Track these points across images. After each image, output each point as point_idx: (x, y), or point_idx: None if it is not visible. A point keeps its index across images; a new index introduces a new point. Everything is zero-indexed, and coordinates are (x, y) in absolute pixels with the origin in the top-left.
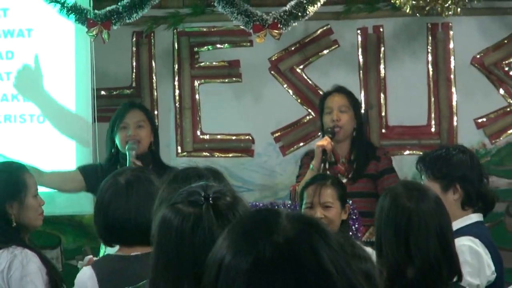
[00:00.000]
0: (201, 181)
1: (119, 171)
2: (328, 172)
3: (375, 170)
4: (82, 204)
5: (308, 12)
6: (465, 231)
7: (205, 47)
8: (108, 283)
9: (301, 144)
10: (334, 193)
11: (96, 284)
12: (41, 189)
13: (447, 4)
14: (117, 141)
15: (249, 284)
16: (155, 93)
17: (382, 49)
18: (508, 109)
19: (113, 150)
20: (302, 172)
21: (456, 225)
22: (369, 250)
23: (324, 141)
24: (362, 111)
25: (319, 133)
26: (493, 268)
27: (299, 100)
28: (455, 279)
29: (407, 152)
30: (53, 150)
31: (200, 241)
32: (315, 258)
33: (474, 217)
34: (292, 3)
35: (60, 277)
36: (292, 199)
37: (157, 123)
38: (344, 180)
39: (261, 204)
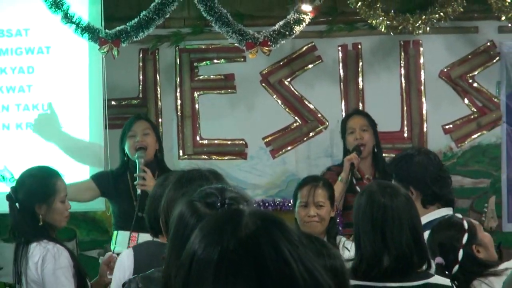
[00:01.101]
0: (204, 181)
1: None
2: (357, 187)
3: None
4: (96, 202)
5: (294, 31)
6: (428, 227)
7: (204, 62)
8: (142, 263)
9: (289, 148)
10: (325, 194)
11: (132, 263)
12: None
13: (417, 24)
14: (126, 149)
15: (216, 275)
16: (159, 103)
17: (360, 63)
18: (472, 117)
19: (125, 158)
20: None
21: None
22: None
23: (352, 156)
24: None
25: (347, 153)
26: None
27: (287, 109)
28: (425, 267)
29: (383, 155)
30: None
31: None
32: (275, 250)
33: (442, 211)
34: (281, 23)
35: (84, 270)
36: None
37: (161, 130)
38: None
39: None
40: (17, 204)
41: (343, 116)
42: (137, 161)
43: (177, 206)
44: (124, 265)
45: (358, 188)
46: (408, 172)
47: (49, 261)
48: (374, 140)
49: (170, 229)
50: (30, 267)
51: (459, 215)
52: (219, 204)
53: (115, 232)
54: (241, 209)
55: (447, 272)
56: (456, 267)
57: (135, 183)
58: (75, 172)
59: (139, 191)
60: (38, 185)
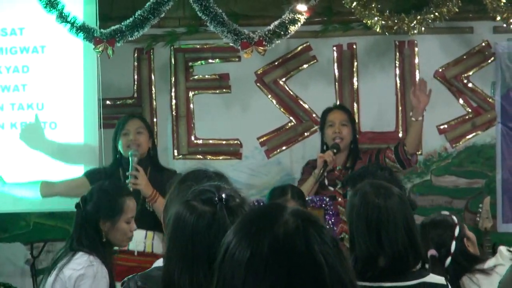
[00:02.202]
0: (205, 180)
1: None
2: (326, 180)
3: (364, 164)
4: None
5: (289, 31)
6: None
7: (199, 62)
8: None
9: (284, 148)
10: (295, 204)
11: None
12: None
13: (412, 24)
14: (120, 147)
15: (247, 269)
16: (154, 103)
17: (355, 63)
18: (467, 117)
19: (117, 156)
20: (303, 178)
21: None
22: None
23: (326, 155)
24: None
25: (324, 146)
26: None
27: (281, 109)
28: (419, 266)
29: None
30: (64, 153)
31: (214, 236)
32: (309, 251)
33: None
34: (276, 23)
35: None
36: None
37: (156, 130)
38: (339, 185)
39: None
40: (83, 214)
41: None
42: (130, 159)
43: (172, 207)
44: None
45: (326, 181)
46: None
47: (88, 277)
48: (352, 136)
49: (167, 229)
50: (66, 272)
51: (446, 212)
52: (216, 199)
53: None
54: (282, 205)
55: (440, 265)
56: (449, 259)
57: (127, 181)
58: (70, 171)
59: (130, 189)
60: (107, 201)
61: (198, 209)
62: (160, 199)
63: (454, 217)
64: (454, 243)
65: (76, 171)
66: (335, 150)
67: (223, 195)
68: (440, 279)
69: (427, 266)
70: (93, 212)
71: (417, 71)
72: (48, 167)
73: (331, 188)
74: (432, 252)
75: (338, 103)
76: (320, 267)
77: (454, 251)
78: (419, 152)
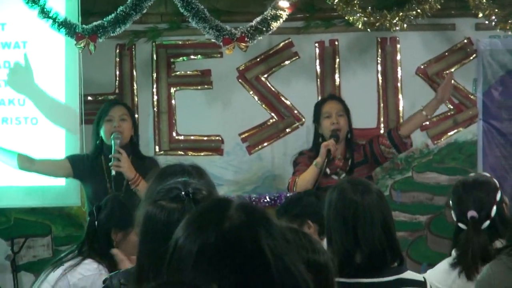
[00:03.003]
0: (186, 176)
1: None
2: (328, 169)
3: (361, 156)
4: (71, 197)
5: (271, 27)
6: None
7: (181, 58)
8: None
9: (265, 144)
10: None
11: None
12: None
13: (394, 21)
14: (102, 133)
15: (195, 264)
16: (136, 99)
17: (337, 60)
18: (449, 114)
19: (98, 142)
20: (299, 169)
21: None
22: None
23: (330, 142)
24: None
25: (319, 138)
26: None
27: (263, 105)
28: (396, 264)
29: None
30: (45, 149)
31: None
32: (255, 244)
33: None
34: (258, 19)
35: None
36: (290, 189)
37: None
38: (343, 174)
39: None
40: (96, 222)
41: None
42: (112, 142)
43: (141, 208)
44: None
45: (328, 170)
46: (303, 209)
47: (97, 285)
48: (348, 126)
49: (137, 227)
50: (74, 274)
51: (487, 174)
52: (183, 194)
53: None
54: (229, 200)
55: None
56: (487, 222)
57: (109, 164)
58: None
59: (113, 172)
60: (121, 211)
61: (167, 207)
62: (143, 183)
63: (495, 180)
64: (495, 207)
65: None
66: (335, 139)
67: (190, 190)
68: (417, 276)
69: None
70: (106, 222)
71: (399, 68)
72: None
73: (335, 177)
74: (472, 213)
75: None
76: (267, 260)
77: (494, 215)
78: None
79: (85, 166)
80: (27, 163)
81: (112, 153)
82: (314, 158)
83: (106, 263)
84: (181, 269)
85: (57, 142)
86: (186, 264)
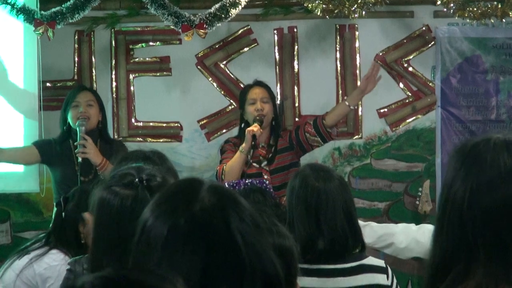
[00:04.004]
0: (147, 162)
1: None
2: (249, 157)
3: (286, 142)
4: (30, 183)
5: (230, 14)
6: None
7: (139, 44)
8: None
9: (224, 131)
10: None
11: None
12: None
13: (353, 8)
14: (69, 118)
15: (164, 247)
16: (95, 85)
17: (296, 47)
18: (407, 101)
19: (65, 128)
20: (226, 156)
21: None
22: None
23: (254, 128)
24: (278, 102)
25: (244, 124)
26: None
27: (222, 92)
28: (358, 250)
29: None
30: (4, 135)
31: (137, 218)
32: (225, 227)
33: None
34: (217, 6)
35: None
36: (219, 178)
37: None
38: (265, 162)
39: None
40: (63, 214)
41: (279, 99)
42: (78, 129)
43: (95, 193)
44: None
45: (249, 158)
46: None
47: (61, 277)
48: (273, 113)
49: (92, 212)
50: (40, 264)
51: None
52: (137, 181)
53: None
54: (200, 181)
55: None
56: None
57: (75, 151)
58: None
59: (79, 159)
60: (87, 203)
61: (120, 193)
62: (110, 167)
63: None
64: None
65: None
66: (259, 123)
67: (143, 176)
68: (379, 262)
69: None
70: (72, 213)
71: (357, 55)
72: None
73: (256, 165)
74: None
75: (279, 89)
76: (237, 244)
77: None
78: (339, 131)
79: (52, 151)
80: None
81: (78, 140)
82: (239, 145)
83: (72, 254)
84: (150, 251)
85: (16, 128)
86: (155, 246)
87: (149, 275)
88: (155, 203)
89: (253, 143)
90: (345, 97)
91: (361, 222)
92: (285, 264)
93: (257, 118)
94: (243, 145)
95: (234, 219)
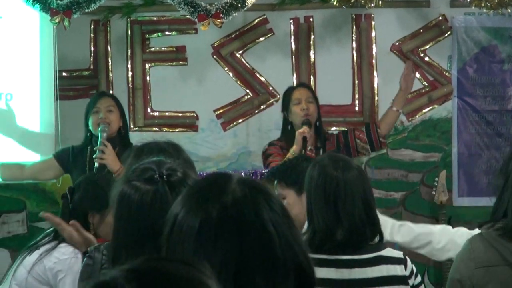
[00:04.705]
0: (162, 154)
1: None
2: None
3: (333, 146)
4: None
5: (246, 4)
6: None
7: (155, 34)
8: None
9: (240, 120)
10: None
11: None
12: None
13: None
14: (90, 125)
15: (197, 239)
16: (111, 75)
17: (312, 37)
18: (423, 91)
19: (88, 134)
20: (274, 160)
21: None
22: None
23: (304, 130)
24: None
25: (289, 125)
26: None
27: (238, 82)
28: (377, 239)
29: (334, 128)
30: (20, 125)
31: (157, 212)
32: (258, 219)
33: None
34: None
35: None
36: None
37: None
38: None
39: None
40: (70, 206)
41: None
42: (99, 134)
43: (116, 186)
44: None
45: None
46: (301, 175)
47: (75, 268)
48: (317, 113)
49: (112, 206)
50: (50, 259)
51: None
52: (157, 177)
53: None
54: (229, 174)
55: None
56: None
57: (93, 156)
58: (26, 153)
59: (96, 165)
60: (95, 193)
61: (141, 188)
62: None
63: None
64: None
65: (31, 145)
66: (309, 126)
67: (164, 171)
68: (397, 253)
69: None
70: (80, 204)
71: (373, 45)
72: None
73: None
74: None
75: (295, 79)
76: (270, 234)
77: None
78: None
79: (70, 159)
80: (9, 171)
81: (98, 145)
82: (285, 147)
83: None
84: (183, 245)
85: (32, 118)
86: (188, 240)
87: (180, 266)
88: (186, 196)
89: (303, 144)
90: (390, 104)
91: (396, 222)
92: None
93: (305, 121)
94: (294, 147)
95: (265, 210)
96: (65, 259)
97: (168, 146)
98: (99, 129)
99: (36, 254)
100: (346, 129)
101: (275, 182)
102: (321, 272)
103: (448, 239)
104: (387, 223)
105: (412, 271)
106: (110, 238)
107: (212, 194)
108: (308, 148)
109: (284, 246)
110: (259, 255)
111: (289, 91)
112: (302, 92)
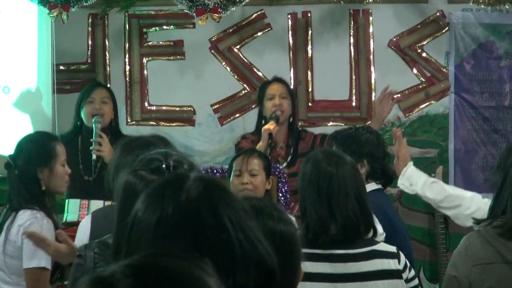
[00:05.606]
0: (152, 147)
1: None
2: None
3: (307, 147)
4: None
5: None
6: None
7: (153, 28)
8: (99, 228)
9: (237, 115)
10: (260, 163)
11: (89, 225)
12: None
13: None
14: (83, 114)
15: (154, 237)
16: (108, 69)
17: (310, 32)
18: (420, 87)
19: (78, 123)
20: None
21: None
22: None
23: (270, 126)
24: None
25: (262, 120)
26: (380, 230)
27: (235, 76)
28: (371, 234)
29: (330, 123)
30: (18, 118)
31: None
32: (213, 215)
33: (374, 186)
34: None
35: None
36: None
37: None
38: (284, 164)
39: (217, 168)
40: (16, 172)
41: (292, 84)
42: (94, 126)
43: (121, 176)
44: (83, 231)
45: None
46: (362, 147)
47: (35, 228)
48: (291, 110)
49: (116, 197)
50: (13, 231)
51: None
52: (164, 167)
53: (66, 201)
54: (186, 174)
55: None
56: None
57: (90, 148)
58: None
59: (94, 157)
60: (38, 149)
61: (147, 178)
62: None
63: None
64: None
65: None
66: (275, 121)
67: (171, 163)
68: (391, 247)
69: (379, 235)
70: (27, 165)
71: (371, 40)
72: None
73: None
74: None
75: (292, 74)
76: (227, 231)
77: None
78: None
79: None
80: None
81: (94, 137)
82: (257, 141)
83: (38, 207)
84: (141, 242)
85: (29, 111)
86: (145, 238)
87: (179, 262)
88: (145, 195)
89: (270, 141)
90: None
91: (429, 178)
92: (286, 250)
93: (273, 115)
94: (260, 143)
95: (222, 206)
96: (23, 224)
97: (156, 139)
98: (93, 120)
99: (3, 237)
100: (327, 134)
101: (333, 146)
102: (316, 267)
103: (477, 207)
104: (420, 178)
105: (405, 265)
106: (60, 190)
107: (169, 192)
108: (278, 145)
109: (244, 243)
110: (217, 252)
111: (264, 86)
112: (276, 87)
